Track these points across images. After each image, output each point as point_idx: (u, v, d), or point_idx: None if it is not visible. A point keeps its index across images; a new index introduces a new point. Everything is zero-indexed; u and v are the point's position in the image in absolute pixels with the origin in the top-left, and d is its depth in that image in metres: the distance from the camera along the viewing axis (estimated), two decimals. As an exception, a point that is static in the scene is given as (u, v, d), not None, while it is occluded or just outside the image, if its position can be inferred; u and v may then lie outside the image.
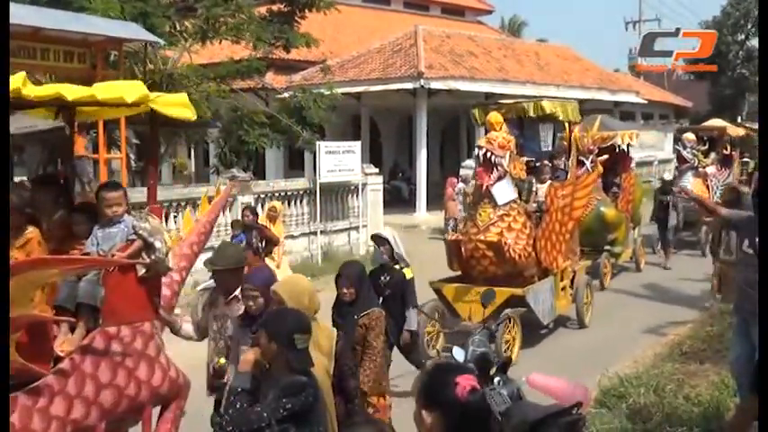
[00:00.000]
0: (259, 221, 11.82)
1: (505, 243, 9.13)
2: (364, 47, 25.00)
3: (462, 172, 16.05)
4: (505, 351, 8.63)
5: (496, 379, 4.83)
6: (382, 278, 7.26)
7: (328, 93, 18.80)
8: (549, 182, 10.98)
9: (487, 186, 9.17)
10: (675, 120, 39.97)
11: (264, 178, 20.95)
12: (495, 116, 9.44)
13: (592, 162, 12.65)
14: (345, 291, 5.64)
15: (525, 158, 10.85)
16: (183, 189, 14.59)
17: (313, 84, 20.98)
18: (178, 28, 17.21)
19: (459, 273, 10.05)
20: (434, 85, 21.51)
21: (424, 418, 2.63)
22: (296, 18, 18.71)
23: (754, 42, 41.42)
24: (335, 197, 16.61)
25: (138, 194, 13.09)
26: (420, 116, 22.47)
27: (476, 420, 2.59)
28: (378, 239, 7.53)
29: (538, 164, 11.62)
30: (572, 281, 10.79)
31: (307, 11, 18.82)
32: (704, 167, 17.02)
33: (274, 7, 18.94)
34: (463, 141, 29.60)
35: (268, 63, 20.11)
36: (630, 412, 7.07)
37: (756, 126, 18.23)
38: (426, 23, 27.26)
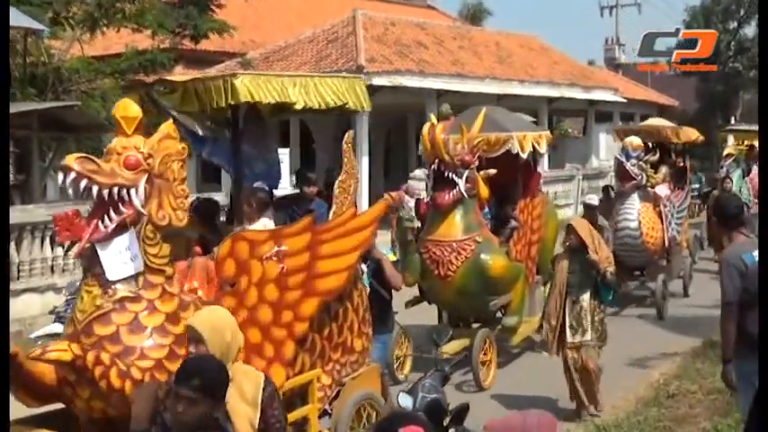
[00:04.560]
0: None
1: (100, 364, 5.15)
2: (293, 35, 25.04)
3: (411, 183, 16.00)
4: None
5: (451, 430, 4.88)
6: None
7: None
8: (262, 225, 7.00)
9: (87, 243, 5.54)
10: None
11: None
12: (122, 107, 5.97)
13: (468, 182, 9.76)
14: None
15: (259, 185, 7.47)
16: (74, 206, 14.30)
17: (232, 80, 20.86)
18: (63, 15, 17.00)
19: None
20: (377, 81, 21.60)
21: None
22: (210, 5, 18.65)
23: (748, 30, 42.30)
24: (259, 214, 16.49)
25: (20, 214, 12.89)
26: (360, 118, 22.53)
27: None
28: None
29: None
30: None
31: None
32: (653, 186, 14.00)
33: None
34: (412, 147, 29.77)
35: (176, 55, 19.98)
36: (610, 466, 7.20)
37: (753, 127, 18.69)
38: (367, 8, 27.49)
